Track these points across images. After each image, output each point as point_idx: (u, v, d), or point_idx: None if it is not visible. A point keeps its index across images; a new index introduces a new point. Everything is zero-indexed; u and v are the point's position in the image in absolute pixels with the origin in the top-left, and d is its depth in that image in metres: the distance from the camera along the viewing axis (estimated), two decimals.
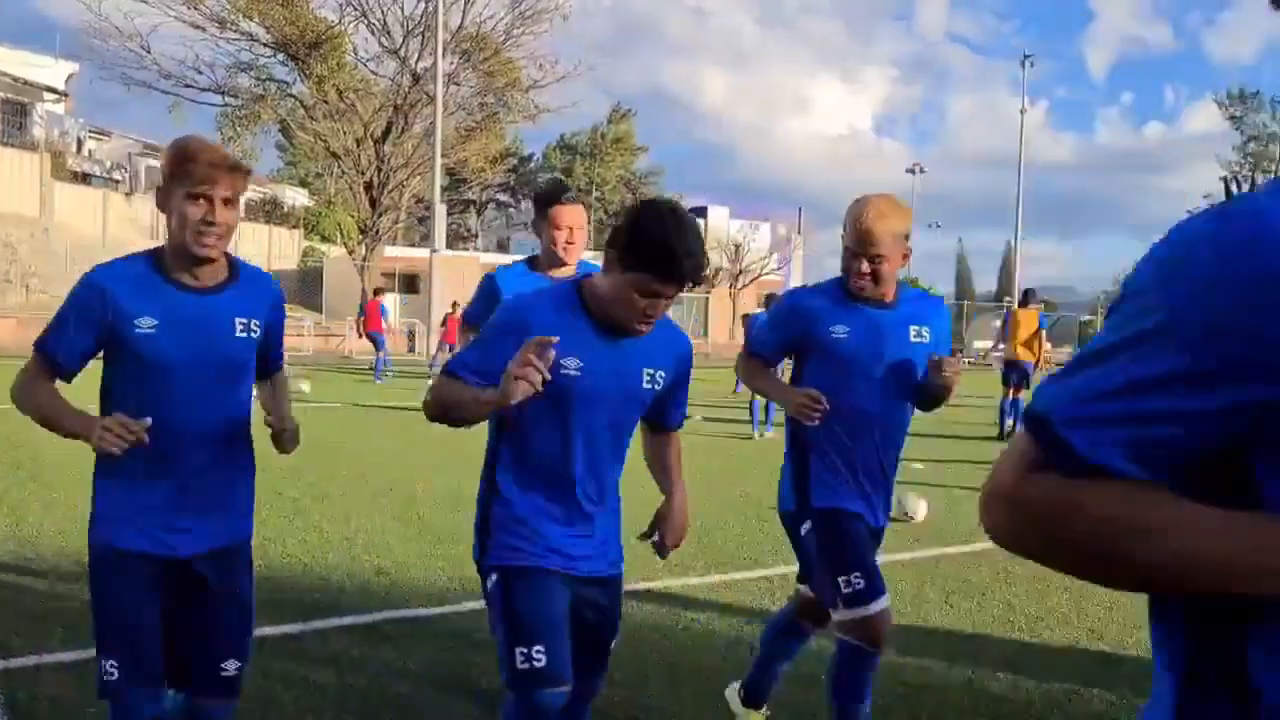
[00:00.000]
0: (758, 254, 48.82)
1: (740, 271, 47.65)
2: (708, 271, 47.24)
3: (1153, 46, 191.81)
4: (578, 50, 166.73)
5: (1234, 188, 67.39)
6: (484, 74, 40.81)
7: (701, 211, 61.79)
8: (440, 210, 33.75)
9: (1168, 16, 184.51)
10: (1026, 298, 14.29)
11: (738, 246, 48.03)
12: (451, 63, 39.20)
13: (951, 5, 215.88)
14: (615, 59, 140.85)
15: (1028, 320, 13.76)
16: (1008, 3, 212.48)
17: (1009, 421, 13.49)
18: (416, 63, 38.95)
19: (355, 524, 6.83)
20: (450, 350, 26.94)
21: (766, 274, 49.45)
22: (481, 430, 2.67)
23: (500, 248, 74.68)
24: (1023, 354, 13.66)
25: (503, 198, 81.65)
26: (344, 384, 20.17)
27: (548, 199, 3.59)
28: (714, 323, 47.37)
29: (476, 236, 78.04)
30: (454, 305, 27.74)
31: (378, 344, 21.77)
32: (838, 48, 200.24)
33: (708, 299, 47.62)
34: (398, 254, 44.40)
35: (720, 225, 54.91)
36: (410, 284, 43.37)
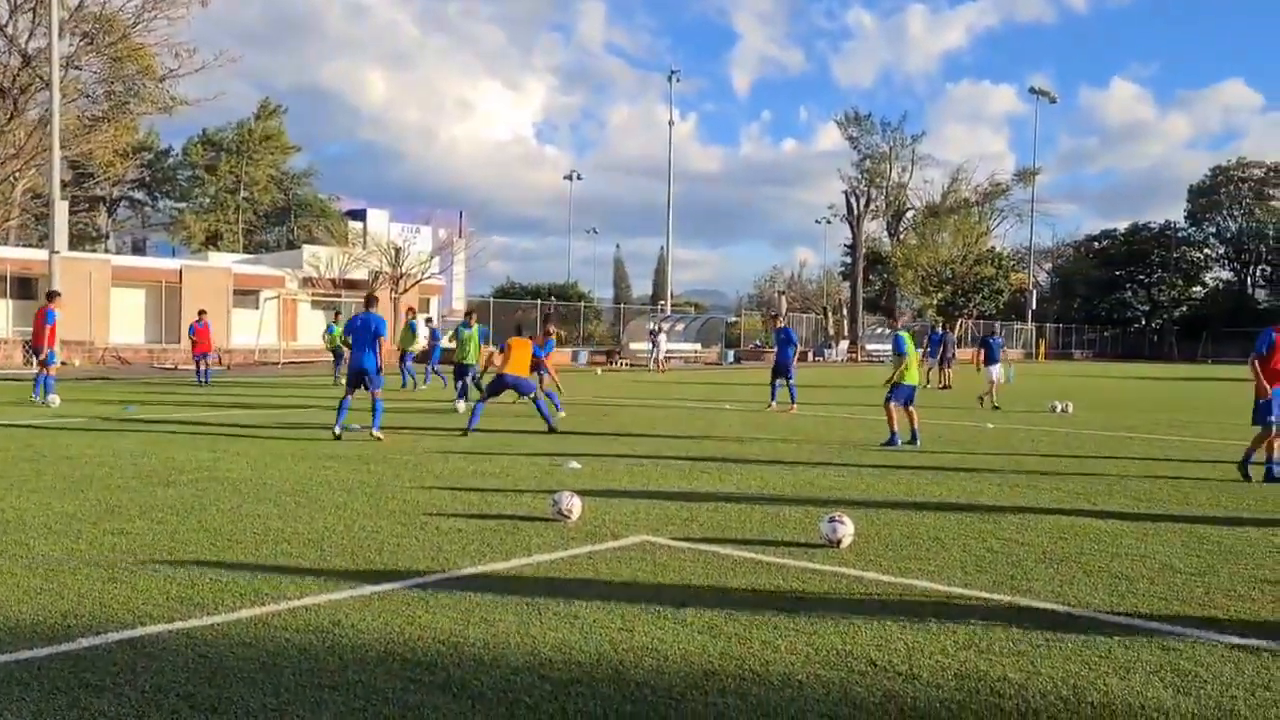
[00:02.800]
0: (419, 258, 48.11)
1: (401, 275, 46.74)
2: (368, 276, 45.40)
3: (789, 69, 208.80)
4: (224, 40, 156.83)
5: (853, 201, 75.14)
6: (110, 59, 37.36)
7: (360, 214, 60.10)
8: (61, 207, 30.55)
9: (801, 43, 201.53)
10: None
11: (398, 250, 47.12)
12: (71, 44, 35.56)
13: (608, 19, 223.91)
14: (268, 53, 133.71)
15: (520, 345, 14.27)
16: (661, 20, 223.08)
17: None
18: (27, 42, 34.96)
19: None
20: (203, 363, 24.93)
21: (428, 278, 48.92)
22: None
23: (135, 249, 68.72)
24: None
25: (137, 195, 75.39)
26: None
27: None
28: None
29: (107, 237, 71.43)
30: (201, 313, 25.87)
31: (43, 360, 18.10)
32: (499, 54, 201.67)
33: None
34: (8, 255, 39.67)
35: (380, 228, 53.69)
36: (25, 289, 38.85)
